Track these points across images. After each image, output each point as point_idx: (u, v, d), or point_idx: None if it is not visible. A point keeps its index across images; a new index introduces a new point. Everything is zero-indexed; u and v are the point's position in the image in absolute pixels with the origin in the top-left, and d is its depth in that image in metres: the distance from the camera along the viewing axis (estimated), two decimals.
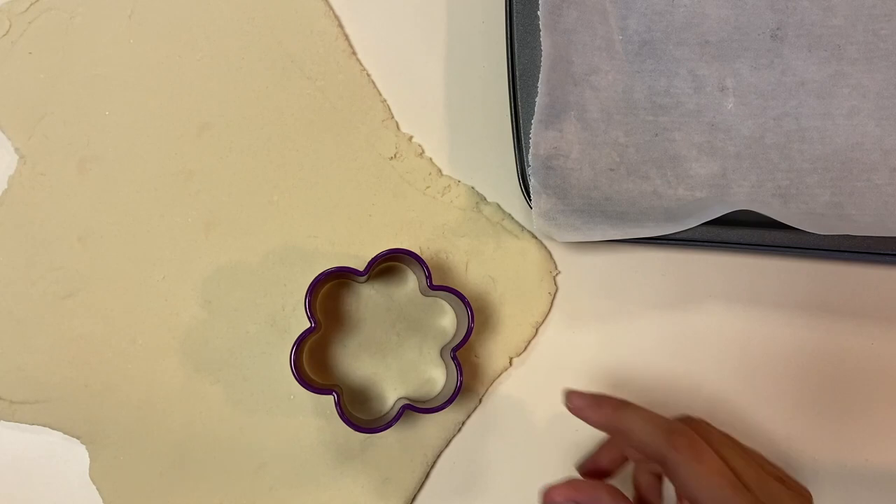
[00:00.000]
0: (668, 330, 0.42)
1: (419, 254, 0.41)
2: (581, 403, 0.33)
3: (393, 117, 0.43)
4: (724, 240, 0.39)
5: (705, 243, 0.39)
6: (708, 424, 0.33)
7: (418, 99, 0.43)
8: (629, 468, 0.37)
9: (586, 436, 0.41)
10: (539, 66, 0.39)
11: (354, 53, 0.43)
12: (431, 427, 0.41)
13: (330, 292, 0.41)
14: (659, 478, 0.36)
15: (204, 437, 0.40)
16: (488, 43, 0.44)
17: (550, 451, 0.41)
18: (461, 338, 0.38)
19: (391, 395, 0.41)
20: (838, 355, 0.42)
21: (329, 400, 0.39)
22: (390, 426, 0.37)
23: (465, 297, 0.37)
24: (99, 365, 0.40)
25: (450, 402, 0.37)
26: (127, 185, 0.42)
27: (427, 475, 0.41)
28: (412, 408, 0.37)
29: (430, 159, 0.43)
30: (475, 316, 0.38)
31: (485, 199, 0.43)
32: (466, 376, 0.41)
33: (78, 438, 0.40)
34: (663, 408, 0.41)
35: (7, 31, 0.42)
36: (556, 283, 0.42)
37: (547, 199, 0.38)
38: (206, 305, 0.41)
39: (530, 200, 0.39)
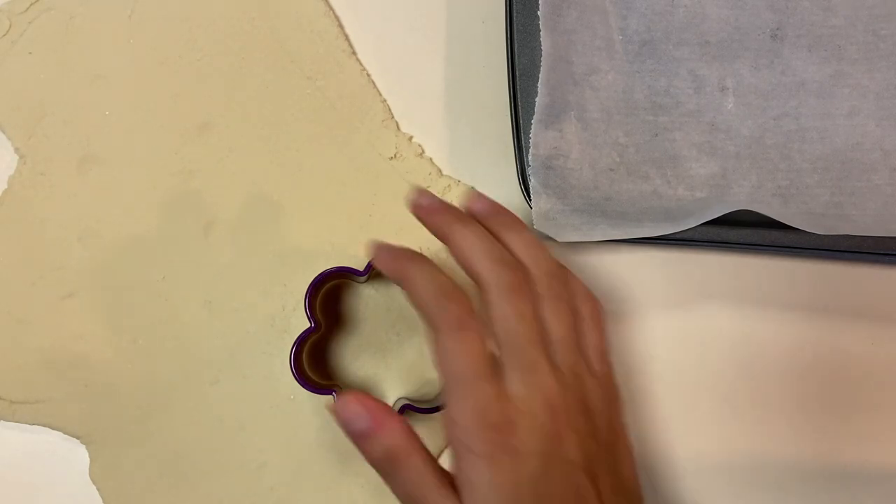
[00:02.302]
0: (668, 330, 0.42)
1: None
2: (379, 252, 0.33)
3: (393, 117, 0.43)
4: (724, 240, 0.39)
5: (705, 243, 0.39)
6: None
7: (418, 99, 0.43)
8: None
9: None
10: (539, 66, 0.39)
11: (354, 53, 0.43)
12: (431, 427, 0.41)
13: (330, 292, 0.41)
14: None
15: (204, 437, 0.40)
16: (488, 43, 0.44)
17: None
18: None
19: (391, 395, 0.41)
20: (839, 355, 0.42)
21: (329, 400, 0.39)
22: None
23: None
24: (99, 365, 0.40)
25: None
26: (127, 185, 0.42)
27: None
28: (412, 408, 0.37)
29: (431, 159, 0.43)
30: None
31: None
32: None
33: (78, 438, 0.40)
34: (664, 407, 0.41)
35: (7, 31, 0.42)
36: None
37: (547, 199, 0.39)
38: (206, 305, 0.41)
39: (530, 200, 0.39)
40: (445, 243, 0.33)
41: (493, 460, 0.29)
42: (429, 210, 0.33)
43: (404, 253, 0.33)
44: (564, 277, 0.34)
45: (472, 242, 0.32)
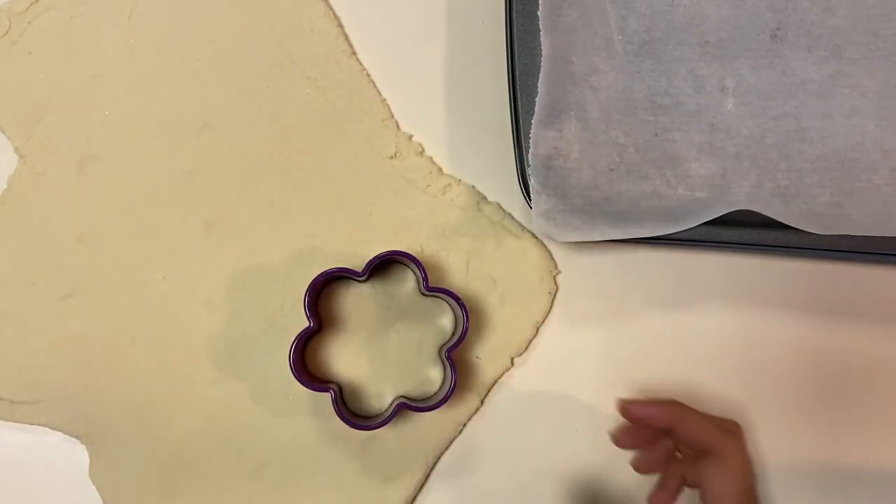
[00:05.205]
0: (668, 330, 0.42)
1: (420, 251, 0.41)
2: (640, 406, 0.37)
3: (392, 116, 0.43)
4: (724, 240, 0.39)
5: (705, 243, 0.39)
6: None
7: (418, 99, 0.43)
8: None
9: (587, 436, 0.41)
10: (539, 66, 0.39)
11: (354, 53, 0.43)
12: (432, 428, 0.41)
13: (329, 291, 0.41)
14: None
15: (203, 437, 0.40)
16: (488, 43, 0.44)
17: (552, 452, 0.41)
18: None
19: (389, 393, 0.41)
20: (838, 355, 0.42)
21: (328, 400, 0.39)
22: (386, 423, 0.37)
23: (460, 299, 0.37)
24: (99, 365, 0.40)
25: (444, 401, 0.37)
26: (127, 185, 0.42)
27: (427, 476, 0.41)
28: (407, 406, 0.37)
29: (431, 158, 0.43)
30: (475, 316, 0.38)
31: (485, 198, 0.43)
32: (467, 376, 0.41)
33: (78, 438, 0.40)
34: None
35: (7, 31, 0.42)
36: (556, 283, 0.42)
37: (547, 199, 0.38)
38: (206, 305, 0.41)
39: (530, 200, 0.39)
40: (672, 425, 0.36)
41: None
42: (648, 406, 0.37)
43: (669, 404, 0.37)
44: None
45: (701, 421, 0.36)
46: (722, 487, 0.34)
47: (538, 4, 0.39)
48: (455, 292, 0.38)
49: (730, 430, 0.36)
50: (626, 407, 0.36)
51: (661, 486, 0.37)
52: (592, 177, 0.40)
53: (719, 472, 0.34)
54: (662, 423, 0.36)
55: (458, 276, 0.41)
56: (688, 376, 0.42)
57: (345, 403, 0.39)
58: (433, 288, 0.37)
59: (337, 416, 0.37)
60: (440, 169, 0.43)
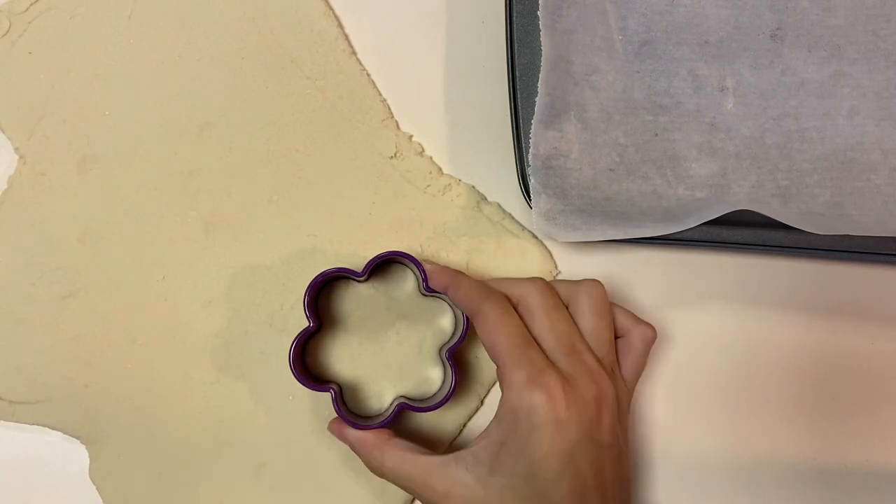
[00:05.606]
0: (668, 330, 0.42)
1: (420, 251, 0.41)
2: (429, 265, 0.38)
3: (392, 116, 0.43)
4: (724, 240, 0.39)
5: (705, 243, 0.39)
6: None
7: (418, 99, 0.43)
8: None
9: None
10: (539, 66, 0.39)
11: (354, 53, 0.43)
12: (432, 428, 0.41)
13: (329, 291, 0.41)
14: None
15: (203, 437, 0.40)
16: (488, 43, 0.44)
17: None
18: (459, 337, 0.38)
19: (389, 393, 0.41)
20: (838, 355, 0.42)
21: (328, 400, 0.39)
22: (386, 423, 0.37)
23: None
24: (99, 365, 0.40)
25: (444, 401, 0.37)
26: (127, 185, 0.42)
27: None
28: (410, 406, 0.37)
29: (431, 158, 0.43)
30: None
31: (485, 198, 0.43)
32: (468, 377, 0.41)
33: (78, 438, 0.40)
34: (663, 407, 0.41)
35: (7, 31, 0.42)
36: None
37: (547, 199, 0.39)
38: (206, 305, 0.41)
39: (530, 200, 0.39)
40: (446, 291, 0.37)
41: (542, 429, 0.32)
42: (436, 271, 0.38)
43: (447, 269, 0.38)
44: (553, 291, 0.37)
45: (469, 284, 0.37)
46: (485, 343, 0.34)
47: (538, 4, 0.39)
48: None
49: (491, 291, 0.36)
50: (423, 263, 0.38)
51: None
52: (592, 177, 0.40)
53: (480, 329, 0.35)
54: (439, 285, 0.37)
55: None
56: (687, 376, 0.42)
57: (345, 403, 0.39)
58: (433, 288, 0.38)
59: (337, 416, 0.37)
60: (440, 169, 0.43)
